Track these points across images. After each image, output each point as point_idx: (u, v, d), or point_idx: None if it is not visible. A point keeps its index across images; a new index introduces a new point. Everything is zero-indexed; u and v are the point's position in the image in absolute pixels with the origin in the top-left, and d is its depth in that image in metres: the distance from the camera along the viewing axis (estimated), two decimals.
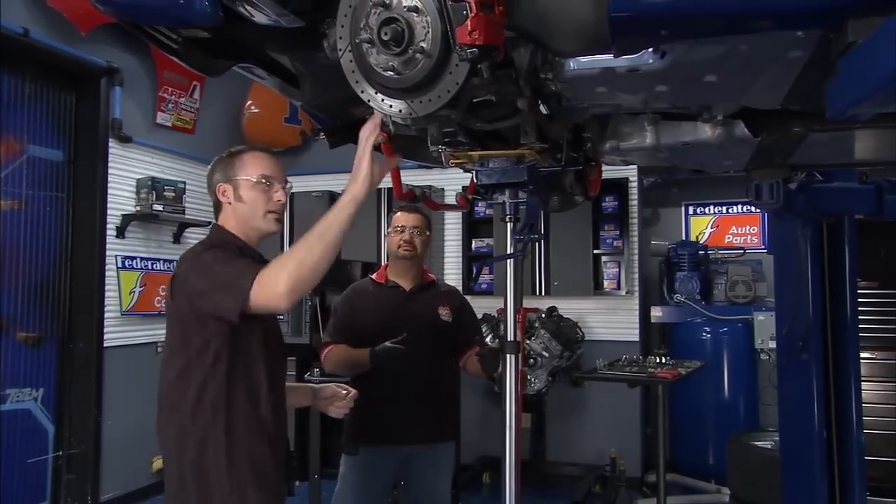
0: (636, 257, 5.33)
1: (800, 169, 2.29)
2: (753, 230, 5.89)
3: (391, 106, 1.44)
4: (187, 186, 5.02)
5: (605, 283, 5.34)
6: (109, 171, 4.55)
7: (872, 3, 1.05)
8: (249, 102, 5.59)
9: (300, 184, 5.18)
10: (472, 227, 5.67)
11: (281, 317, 2.80)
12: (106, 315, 4.50)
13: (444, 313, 2.74)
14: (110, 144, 4.57)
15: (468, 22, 1.26)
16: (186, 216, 5.02)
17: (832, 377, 2.67)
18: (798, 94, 1.47)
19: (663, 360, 4.01)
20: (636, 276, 5.33)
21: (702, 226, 6.06)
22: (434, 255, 5.58)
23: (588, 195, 2.43)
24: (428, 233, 2.79)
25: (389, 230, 2.76)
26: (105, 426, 4.46)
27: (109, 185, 4.54)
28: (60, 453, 4.34)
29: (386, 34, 1.32)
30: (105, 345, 4.48)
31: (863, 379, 2.78)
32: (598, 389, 5.17)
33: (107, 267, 4.52)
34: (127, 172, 4.70)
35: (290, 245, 4.88)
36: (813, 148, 1.88)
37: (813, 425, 2.62)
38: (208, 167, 1.94)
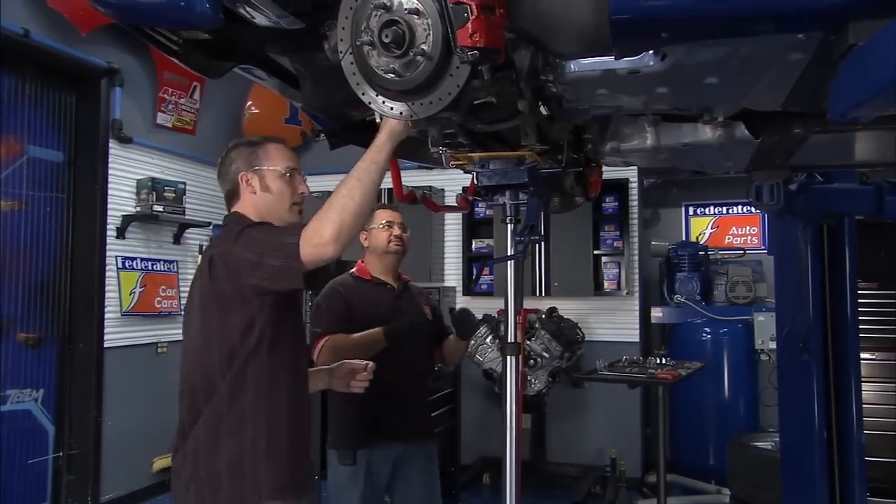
0: (636, 258, 5.32)
1: (800, 170, 2.29)
2: (754, 231, 5.89)
3: (392, 108, 1.44)
4: (187, 187, 5.01)
5: (606, 284, 5.34)
6: (109, 171, 4.54)
7: (873, 6, 1.05)
8: (250, 103, 5.59)
9: None
10: (473, 228, 5.67)
11: None
12: (106, 316, 4.50)
13: (427, 311, 2.76)
14: (110, 145, 4.56)
15: (469, 24, 1.26)
16: (186, 217, 5.01)
17: (832, 378, 2.68)
18: (799, 96, 1.47)
19: (663, 361, 4.01)
20: (636, 276, 5.32)
21: (702, 226, 6.05)
22: (434, 255, 5.58)
23: (588, 196, 2.44)
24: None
25: (372, 226, 2.68)
26: (105, 427, 4.45)
27: (109, 185, 4.53)
28: (61, 454, 4.34)
29: (387, 36, 1.33)
30: (105, 345, 4.47)
31: (863, 379, 2.78)
32: (598, 390, 5.17)
33: (107, 267, 4.51)
34: (127, 173, 4.69)
35: None
36: (813, 149, 1.88)
37: (813, 426, 2.62)
38: (224, 156, 1.91)
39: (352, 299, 2.63)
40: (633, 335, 5.28)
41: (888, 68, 0.93)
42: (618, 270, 5.31)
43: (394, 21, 1.32)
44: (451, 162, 1.89)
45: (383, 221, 2.67)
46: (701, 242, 5.76)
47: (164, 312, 4.90)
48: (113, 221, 4.57)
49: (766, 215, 4.94)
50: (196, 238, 5.25)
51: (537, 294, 5.28)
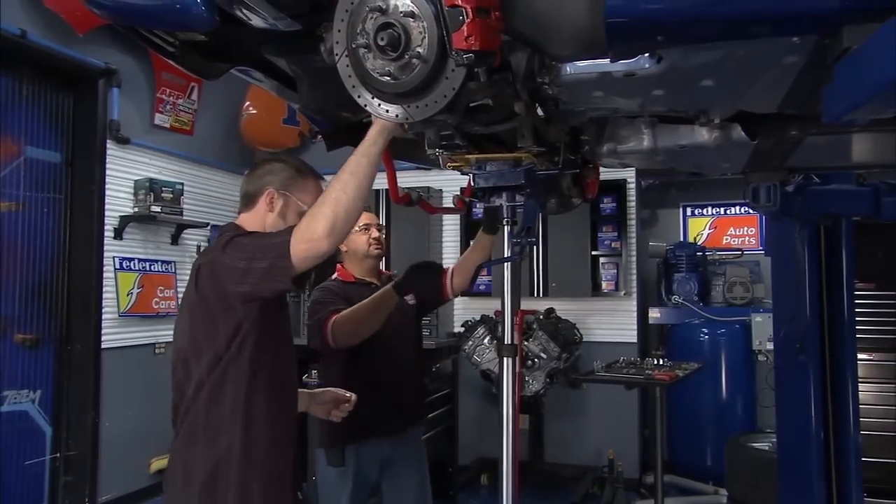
0: (634, 258, 5.33)
1: (797, 171, 2.30)
2: (751, 231, 5.90)
3: (388, 111, 1.44)
4: (185, 188, 5.01)
5: (604, 285, 5.34)
6: (107, 172, 4.53)
7: (867, 10, 1.06)
8: (247, 104, 5.58)
9: None
10: (470, 229, 5.66)
11: None
12: (104, 316, 4.49)
13: (409, 298, 2.68)
14: (108, 146, 4.55)
15: (464, 27, 1.26)
16: (184, 217, 5.00)
17: (829, 379, 2.68)
18: (794, 99, 1.47)
19: (661, 362, 4.02)
20: (634, 277, 5.33)
21: (700, 227, 6.06)
22: (433, 256, 5.57)
23: (586, 197, 2.43)
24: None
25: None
26: (103, 427, 4.45)
27: (107, 186, 4.52)
28: (58, 455, 4.33)
29: (382, 39, 1.33)
30: (103, 346, 4.47)
31: (860, 380, 2.79)
32: (595, 391, 5.17)
33: (104, 268, 4.51)
34: (125, 174, 4.68)
35: None
36: (810, 150, 1.89)
37: (810, 427, 2.62)
38: (266, 161, 1.91)
39: (347, 295, 2.61)
40: (631, 336, 5.28)
41: (882, 71, 0.94)
42: (616, 271, 5.32)
43: (389, 24, 1.32)
44: (448, 163, 1.89)
45: (361, 224, 2.64)
46: (699, 243, 5.76)
47: (162, 313, 4.90)
48: (110, 222, 4.57)
49: (764, 216, 4.95)
50: (194, 239, 5.24)
51: (535, 295, 5.28)
